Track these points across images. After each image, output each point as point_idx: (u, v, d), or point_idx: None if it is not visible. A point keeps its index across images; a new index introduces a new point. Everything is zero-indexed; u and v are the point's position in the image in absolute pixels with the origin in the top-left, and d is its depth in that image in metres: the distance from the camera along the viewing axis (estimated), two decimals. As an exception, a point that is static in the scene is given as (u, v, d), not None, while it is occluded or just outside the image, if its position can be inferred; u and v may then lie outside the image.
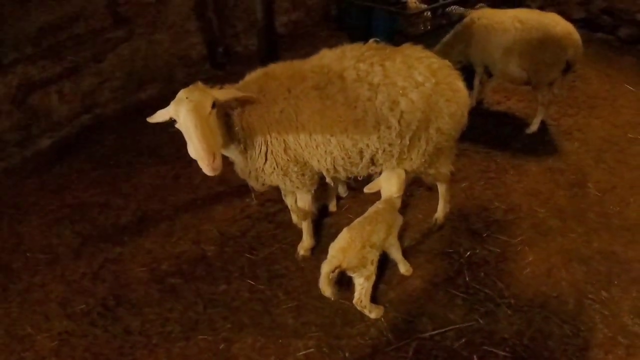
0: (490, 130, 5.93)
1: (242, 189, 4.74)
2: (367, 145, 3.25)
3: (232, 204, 4.81)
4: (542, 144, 5.64)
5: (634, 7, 9.80)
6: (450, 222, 4.46)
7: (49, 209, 5.04)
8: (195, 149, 2.80)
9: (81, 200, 5.16)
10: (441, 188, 4.14)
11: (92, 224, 4.78)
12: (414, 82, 3.14)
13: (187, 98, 2.84)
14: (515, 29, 5.23)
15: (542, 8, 10.42)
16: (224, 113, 3.09)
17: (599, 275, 3.93)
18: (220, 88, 3.09)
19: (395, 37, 5.61)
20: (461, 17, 6.42)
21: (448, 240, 4.26)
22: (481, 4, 7.61)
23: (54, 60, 6.16)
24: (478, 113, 6.22)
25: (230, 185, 4.95)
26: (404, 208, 4.57)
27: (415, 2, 7.88)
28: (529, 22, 5.21)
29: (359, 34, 5.96)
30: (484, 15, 5.59)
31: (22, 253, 4.47)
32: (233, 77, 7.64)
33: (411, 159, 3.45)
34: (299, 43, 8.90)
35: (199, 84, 3.00)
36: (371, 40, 3.42)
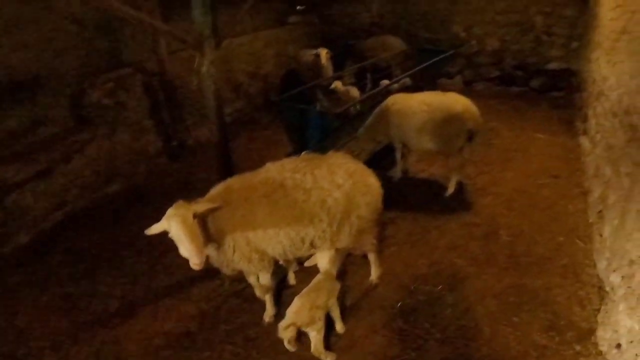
0: (415, 197, 7.25)
1: (211, 272, 5.67)
2: (307, 234, 4.50)
3: (205, 286, 5.84)
4: (460, 203, 6.99)
5: (542, 59, 11.66)
6: (383, 280, 5.56)
7: (41, 301, 5.77)
8: (186, 250, 3.97)
9: (69, 291, 5.95)
10: (371, 256, 5.40)
11: (84, 312, 5.58)
12: (336, 185, 4.49)
13: (174, 214, 3.98)
14: (422, 111, 6.69)
15: (461, 72, 12.34)
16: (202, 220, 4.25)
17: (510, 305, 5.08)
18: (197, 202, 4.27)
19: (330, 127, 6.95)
20: (387, 91, 7.87)
21: (382, 295, 5.38)
22: (405, 79, 9.18)
23: (27, 162, 6.99)
24: (405, 183, 7.65)
25: (201, 270, 5.86)
26: (346, 274, 5.76)
27: (342, 87, 9.38)
28: (433, 104, 6.68)
29: (295, 130, 7.31)
30: (397, 101, 7.03)
31: (24, 342, 5.15)
32: (187, 166, 8.98)
33: (340, 239, 4.71)
34: (244, 130, 10.32)
35: (181, 201, 4.14)
36: (304, 153, 4.85)
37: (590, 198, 6.64)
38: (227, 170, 6.36)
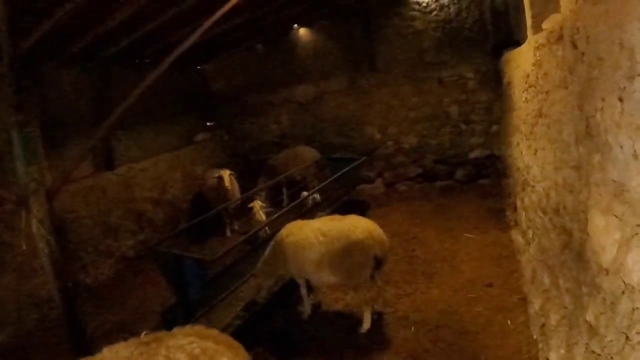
0: (325, 339, 6.03)
1: None
2: None
3: None
4: (377, 340, 5.79)
5: (463, 149, 11.21)
6: None
7: None
8: None
9: None
10: None
11: None
12: None
13: None
14: (319, 242, 5.75)
15: (381, 174, 11.78)
16: None
17: None
18: None
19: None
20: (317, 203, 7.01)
21: None
22: (314, 196, 8.44)
23: None
24: (316, 320, 6.47)
25: None
26: None
27: (261, 207, 8.63)
28: (330, 233, 5.75)
29: (174, 279, 6.31)
30: (291, 232, 6.12)
31: None
32: (85, 310, 7.81)
33: None
34: (146, 266, 9.23)
35: None
36: (143, 334, 3.80)
37: (530, 309, 5.63)
38: (82, 347, 5.21)
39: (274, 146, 13.12)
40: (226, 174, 9.54)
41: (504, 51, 9.25)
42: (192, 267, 5.74)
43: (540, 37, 5.04)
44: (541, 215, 5.33)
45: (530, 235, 6.15)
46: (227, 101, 13.60)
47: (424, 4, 10.95)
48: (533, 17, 5.84)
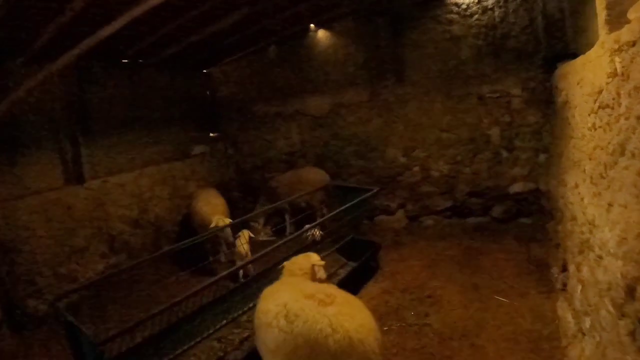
0: None
1: None
2: None
3: None
4: None
5: (503, 181, 9.18)
6: None
7: None
8: None
9: None
10: None
11: None
12: None
13: None
14: (278, 328, 3.85)
15: (404, 205, 9.81)
16: None
17: None
18: None
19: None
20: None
21: None
22: (313, 231, 6.77)
23: None
24: None
25: None
26: None
27: (249, 238, 7.37)
28: (295, 322, 3.75)
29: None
30: (264, 296, 4.38)
31: None
32: (38, 340, 6.76)
33: None
34: (113, 293, 7.86)
35: None
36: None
37: None
38: None
39: (281, 165, 11.33)
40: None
41: (557, 64, 7.33)
42: (85, 343, 3.99)
43: (624, 34, 3.02)
44: (611, 309, 3.32)
45: (587, 326, 4.13)
46: (234, 110, 11.82)
47: (464, 6, 8.96)
48: (608, 7, 3.77)
